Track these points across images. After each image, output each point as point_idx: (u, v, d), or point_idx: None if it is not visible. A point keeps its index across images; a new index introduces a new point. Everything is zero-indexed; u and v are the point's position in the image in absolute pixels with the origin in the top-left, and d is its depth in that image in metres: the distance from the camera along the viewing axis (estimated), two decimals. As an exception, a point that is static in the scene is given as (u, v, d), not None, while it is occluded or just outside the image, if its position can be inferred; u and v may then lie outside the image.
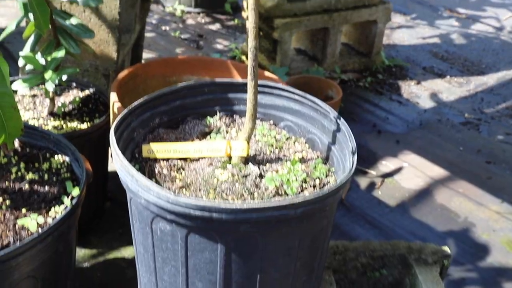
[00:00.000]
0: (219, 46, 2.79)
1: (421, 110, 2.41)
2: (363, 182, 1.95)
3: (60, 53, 1.52)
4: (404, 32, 3.12)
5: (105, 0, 1.78)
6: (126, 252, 1.54)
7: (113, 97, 1.47)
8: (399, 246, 1.28)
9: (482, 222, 1.80)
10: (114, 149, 0.94)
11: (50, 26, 1.55)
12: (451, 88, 2.61)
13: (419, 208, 1.86)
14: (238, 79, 1.75)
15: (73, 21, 1.54)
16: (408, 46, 2.97)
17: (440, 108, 2.45)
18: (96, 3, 1.52)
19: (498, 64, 2.85)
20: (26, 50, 1.53)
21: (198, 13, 3.09)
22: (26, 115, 1.58)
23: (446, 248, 1.30)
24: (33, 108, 1.62)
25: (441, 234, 1.73)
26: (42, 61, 1.51)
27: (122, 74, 1.59)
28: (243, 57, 2.62)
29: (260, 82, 1.13)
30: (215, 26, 2.99)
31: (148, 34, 2.76)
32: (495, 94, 2.59)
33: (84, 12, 1.79)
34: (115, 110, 1.43)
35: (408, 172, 2.03)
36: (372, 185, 1.95)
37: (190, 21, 3.02)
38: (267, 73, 1.69)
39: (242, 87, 1.15)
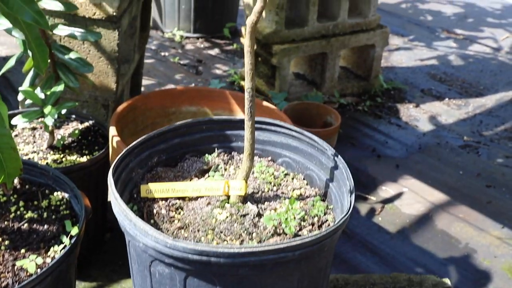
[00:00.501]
0: (218, 71, 2.80)
1: (420, 134, 2.42)
2: (363, 208, 1.95)
3: (59, 88, 1.53)
4: (402, 54, 3.14)
5: (104, 33, 1.79)
6: (126, 285, 1.54)
7: (112, 131, 1.47)
8: (399, 279, 1.27)
9: (483, 248, 1.80)
10: (112, 192, 0.94)
11: (49, 60, 1.56)
12: (449, 111, 2.62)
13: (420, 234, 1.86)
14: (236, 108, 1.76)
15: (72, 55, 1.55)
16: (407, 68, 2.99)
17: (439, 131, 2.45)
18: (95, 38, 1.53)
19: (496, 85, 2.86)
20: (25, 85, 1.55)
21: (197, 38, 3.11)
22: (26, 149, 1.59)
23: (447, 280, 1.30)
24: (33, 141, 1.63)
25: (442, 260, 1.73)
26: (41, 95, 1.52)
27: (121, 107, 1.60)
28: (242, 83, 2.64)
29: (257, 119, 1.13)
30: (214, 51, 3.01)
31: (147, 60, 2.78)
32: (494, 116, 2.59)
33: (83, 44, 1.80)
34: (114, 145, 1.44)
35: (408, 197, 2.03)
36: (372, 211, 1.95)
37: (189, 46, 3.04)
38: (265, 103, 1.70)
39: (240, 124, 1.16)
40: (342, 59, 2.78)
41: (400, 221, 1.91)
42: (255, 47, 2.57)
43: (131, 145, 1.06)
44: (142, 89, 2.50)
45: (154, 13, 3.11)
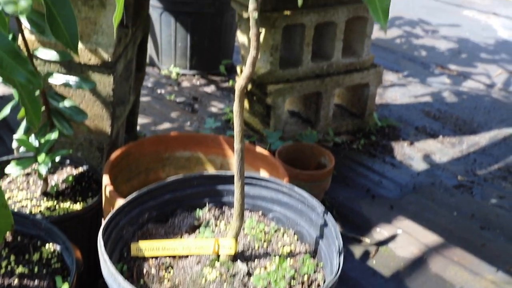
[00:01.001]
0: (213, 109, 2.82)
1: (414, 173, 2.43)
2: (357, 250, 1.95)
3: (54, 135, 1.54)
4: (396, 91, 3.17)
5: (99, 78, 1.81)
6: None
7: (105, 180, 1.48)
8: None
9: (478, 293, 1.79)
10: (101, 254, 0.94)
11: (43, 107, 1.58)
12: (443, 149, 2.63)
13: (414, 278, 1.85)
14: (230, 153, 1.77)
15: (67, 103, 1.57)
16: (401, 105, 3.01)
17: (433, 170, 2.46)
18: (89, 87, 1.55)
19: (490, 122, 2.88)
20: (20, 133, 1.56)
21: (193, 75, 3.14)
22: (20, 195, 1.59)
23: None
24: (27, 187, 1.63)
25: (436, 306, 1.73)
26: (35, 143, 1.53)
27: (114, 155, 1.61)
28: (237, 121, 2.65)
29: (248, 174, 1.14)
30: (210, 88, 3.03)
31: (143, 98, 2.79)
32: (488, 154, 2.61)
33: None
34: (107, 194, 1.45)
35: (403, 240, 2.03)
36: (366, 254, 1.95)
37: (185, 83, 3.06)
38: (258, 149, 1.71)
39: (231, 179, 1.17)
40: (337, 97, 2.80)
41: (394, 264, 1.91)
42: (249, 87, 2.60)
43: (121, 204, 1.07)
44: (138, 127, 2.52)
45: (151, 50, 3.14)
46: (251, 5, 0.85)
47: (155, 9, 3.02)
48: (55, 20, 1.06)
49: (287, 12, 2.34)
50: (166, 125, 2.63)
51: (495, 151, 2.64)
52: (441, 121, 2.87)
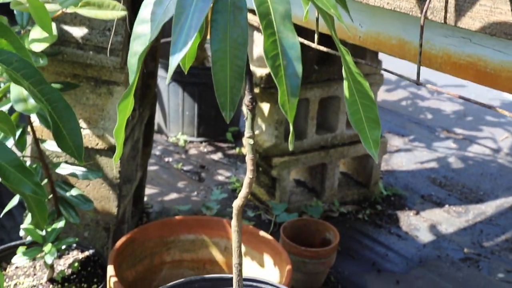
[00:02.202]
0: (220, 178, 2.85)
1: (420, 245, 2.42)
2: (363, 330, 1.94)
3: (60, 224, 1.57)
4: (402, 157, 3.19)
5: (106, 161, 1.86)
6: None
7: (110, 270, 1.50)
8: None
9: None
10: None
11: (51, 195, 1.62)
12: (450, 219, 2.63)
13: None
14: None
15: (74, 192, 1.61)
16: (407, 172, 3.02)
17: (439, 242, 2.45)
18: (95, 177, 1.59)
19: (496, 190, 2.88)
20: (27, 222, 1.59)
21: (201, 142, 3.18)
22: (26, 282, 1.62)
23: None
24: (33, 273, 1.66)
25: None
26: (42, 232, 1.56)
27: (119, 242, 1.63)
28: (244, 191, 2.67)
29: (246, 277, 1.16)
30: (217, 156, 3.07)
31: (151, 167, 2.83)
32: (494, 224, 2.60)
33: (86, 172, 1.86)
34: (112, 285, 1.46)
35: (409, 318, 2.02)
36: (372, 334, 1.93)
37: (192, 151, 3.10)
38: (261, 233, 1.73)
39: (231, 281, 1.18)
40: (342, 165, 2.83)
41: None
42: (256, 158, 2.63)
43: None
44: (145, 198, 2.55)
45: (158, 118, 3.20)
46: (247, 133, 0.88)
47: (163, 79, 3.09)
48: (61, 132, 1.10)
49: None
50: (173, 196, 2.66)
51: (502, 221, 2.63)
52: (447, 189, 2.88)
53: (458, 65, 0.95)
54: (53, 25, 1.47)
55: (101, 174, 1.59)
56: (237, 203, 0.94)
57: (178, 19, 0.72)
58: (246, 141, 0.89)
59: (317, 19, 1.04)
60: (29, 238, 1.63)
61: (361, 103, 0.83)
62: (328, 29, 0.80)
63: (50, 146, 1.56)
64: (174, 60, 0.71)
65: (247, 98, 0.87)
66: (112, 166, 1.86)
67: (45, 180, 1.59)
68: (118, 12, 1.49)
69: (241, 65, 0.77)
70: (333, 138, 2.59)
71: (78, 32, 1.68)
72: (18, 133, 1.53)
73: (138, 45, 0.78)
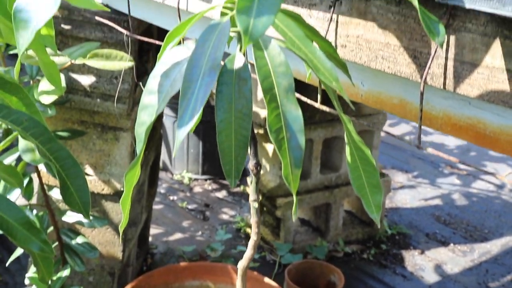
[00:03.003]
0: (225, 216, 2.86)
1: (425, 286, 2.42)
2: None
3: (66, 272, 1.58)
4: (406, 193, 3.19)
5: (111, 206, 1.87)
6: None
7: (115, 319, 1.50)
8: None
9: None
10: None
11: (57, 243, 1.63)
12: (455, 258, 2.62)
13: None
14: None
15: (79, 240, 1.62)
16: (411, 209, 3.02)
17: (445, 283, 2.45)
18: (101, 225, 1.60)
19: (501, 228, 2.88)
20: (32, 270, 1.60)
21: (205, 179, 3.20)
22: (31, 329, 1.62)
23: None
24: (38, 320, 1.66)
25: None
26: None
27: (124, 290, 1.64)
28: (248, 230, 2.68)
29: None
30: (222, 193, 3.08)
31: (156, 206, 2.84)
32: (500, 264, 2.59)
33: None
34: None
35: None
36: None
37: (197, 189, 3.12)
38: (266, 280, 1.73)
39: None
40: (347, 203, 2.83)
41: None
42: (260, 198, 2.65)
43: None
44: (150, 238, 2.56)
45: (163, 155, 3.23)
46: (252, 196, 0.90)
47: (168, 118, 3.12)
48: (68, 189, 1.12)
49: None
50: (177, 236, 2.67)
51: (507, 260, 2.62)
52: (452, 227, 2.88)
53: (458, 127, 0.96)
54: (62, 76, 1.50)
55: (106, 222, 1.60)
56: (242, 264, 0.95)
57: (185, 93, 0.74)
58: (251, 204, 0.90)
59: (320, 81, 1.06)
60: (34, 287, 1.63)
61: (363, 169, 0.85)
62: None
63: (57, 194, 1.58)
64: (181, 134, 0.73)
65: (251, 163, 0.89)
66: (117, 211, 1.88)
67: (51, 228, 1.61)
68: (126, 63, 1.53)
69: (246, 134, 0.78)
70: (337, 177, 2.60)
71: (86, 80, 1.72)
72: (25, 181, 1.55)
73: (146, 116, 0.80)
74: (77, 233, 1.63)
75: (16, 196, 1.48)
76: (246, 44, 0.57)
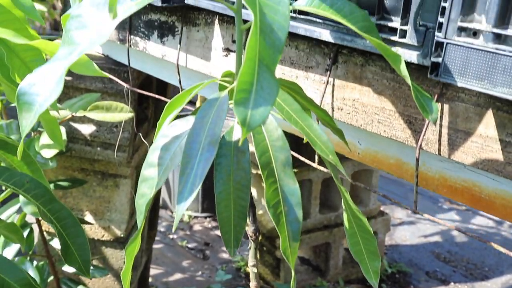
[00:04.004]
0: (225, 255, 2.85)
1: (426, 327, 2.41)
2: None
3: (65, 324, 1.58)
4: (406, 230, 3.19)
5: (111, 252, 1.87)
6: None
7: None
8: None
9: None
10: None
11: (57, 292, 1.63)
12: (455, 297, 2.61)
13: None
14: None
15: (79, 289, 1.62)
16: (411, 247, 3.02)
17: (446, 323, 2.44)
18: (101, 275, 1.60)
19: (501, 266, 2.87)
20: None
21: (205, 217, 3.20)
22: None
23: None
24: None
25: None
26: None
27: None
28: (247, 269, 2.68)
29: None
30: (221, 231, 3.08)
31: (156, 246, 2.84)
32: (501, 303, 2.59)
33: (92, 261, 1.88)
34: None
35: None
36: None
37: (197, 227, 3.12)
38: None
39: None
40: (346, 242, 2.83)
41: None
42: (259, 239, 2.65)
43: None
44: (150, 279, 2.55)
45: (163, 193, 3.23)
46: (251, 261, 0.91)
47: (168, 156, 3.13)
48: (69, 248, 1.13)
49: (295, 170, 2.43)
50: (177, 276, 2.66)
51: (508, 299, 2.62)
52: (452, 265, 2.87)
53: (454, 189, 0.98)
54: (62, 129, 1.52)
55: (106, 272, 1.60)
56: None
57: (184, 169, 0.76)
58: (250, 269, 0.91)
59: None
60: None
61: (361, 236, 0.86)
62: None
63: (57, 243, 1.59)
64: (180, 210, 0.74)
65: (250, 229, 0.90)
66: (117, 257, 1.88)
67: (51, 277, 1.61)
68: (126, 114, 1.55)
69: (244, 205, 0.80)
70: (336, 217, 2.61)
71: (86, 129, 1.74)
72: (26, 232, 1.56)
73: (146, 188, 0.81)
74: (78, 283, 1.63)
75: (16, 249, 1.49)
76: (245, 135, 0.58)
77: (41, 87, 0.70)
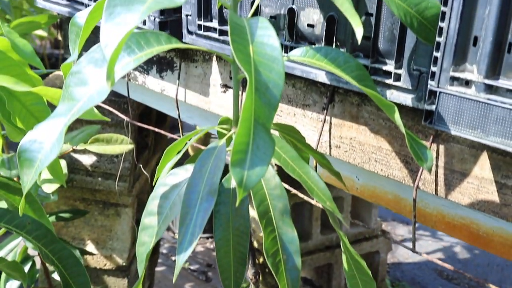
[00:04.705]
0: (227, 277, 2.85)
1: None
2: None
3: None
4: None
5: (113, 281, 1.88)
6: None
7: None
8: None
9: None
10: None
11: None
12: (459, 316, 2.61)
13: None
14: None
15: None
16: (413, 264, 3.02)
17: None
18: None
19: (504, 282, 2.87)
20: None
21: (207, 238, 3.20)
22: None
23: None
24: None
25: None
26: None
27: None
28: (251, 291, 2.67)
29: None
30: (223, 252, 3.08)
31: (158, 268, 2.84)
32: (504, 321, 2.58)
33: (94, 292, 1.88)
34: None
35: None
36: None
37: (199, 248, 3.12)
38: None
39: None
40: (348, 261, 2.83)
41: None
42: (261, 260, 2.65)
43: None
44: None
45: (165, 214, 3.23)
46: (251, 304, 0.92)
47: (169, 178, 3.14)
48: (70, 287, 1.14)
49: (295, 191, 2.43)
50: (180, 299, 2.66)
51: (512, 317, 2.61)
52: (455, 282, 2.87)
53: (452, 225, 0.99)
54: (63, 163, 1.54)
55: (109, 303, 1.61)
56: None
57: (184, 220, 0.76)
58: (251, 312, 0.92)
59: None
60: None
61: (360, 278, 0.87)
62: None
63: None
64: (181, 259, 0.75)
65: (250, 272, 0.91)
66: (119, 285, 1.88)
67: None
68: (126, 146, 1.56)
69: (243, 251, 0.81)
70: (338, 237, 2.61)
71: (87, 160, 1.75)
72: (28, 266, 1.57)
73: (146, 237, 0.82)
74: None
75: (18, 283, 1.49)
76: (241, 196, 0.59)
77: (42, 144, 0.71)
